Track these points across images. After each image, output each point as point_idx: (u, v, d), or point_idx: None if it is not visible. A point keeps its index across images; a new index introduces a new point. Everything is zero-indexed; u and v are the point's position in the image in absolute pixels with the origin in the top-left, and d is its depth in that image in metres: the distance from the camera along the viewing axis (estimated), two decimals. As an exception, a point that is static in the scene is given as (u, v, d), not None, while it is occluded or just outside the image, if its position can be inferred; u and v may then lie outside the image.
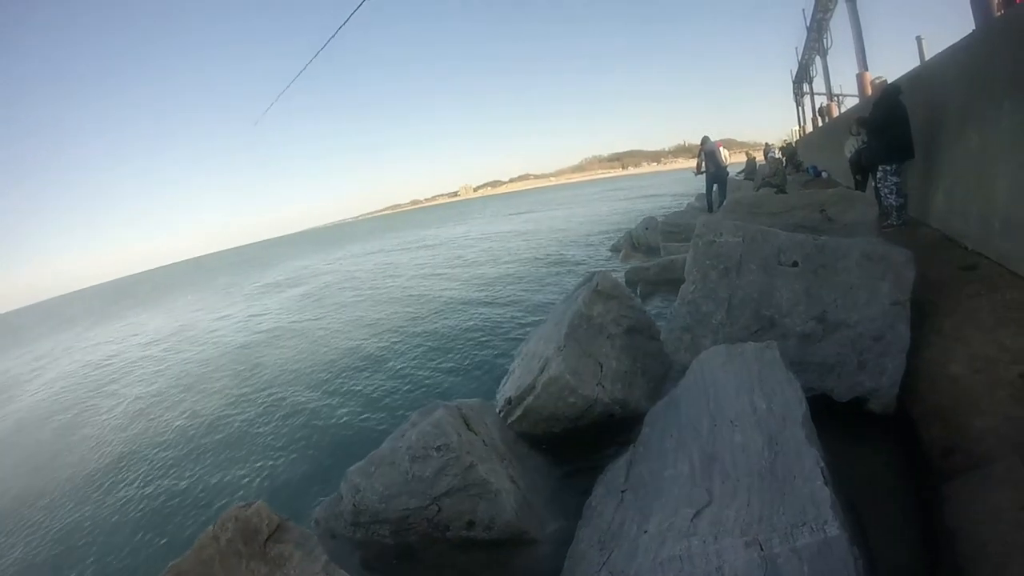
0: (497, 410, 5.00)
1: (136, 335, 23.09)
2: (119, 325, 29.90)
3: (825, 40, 22.46)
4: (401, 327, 12.51)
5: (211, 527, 2.56)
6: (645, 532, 2.44)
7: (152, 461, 7.95)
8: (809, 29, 24.13)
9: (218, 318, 21.59)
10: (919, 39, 11.48)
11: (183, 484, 6.87)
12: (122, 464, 8.18)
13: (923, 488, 2.85)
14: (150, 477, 7.34)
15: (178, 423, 9.49)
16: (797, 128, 35.70)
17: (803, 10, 24.63)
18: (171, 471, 7.35)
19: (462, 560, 3.52)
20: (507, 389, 5.39)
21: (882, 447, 3.37)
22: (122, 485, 7.37)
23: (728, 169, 14.35)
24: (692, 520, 2.25)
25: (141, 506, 6.55)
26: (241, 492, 6.23)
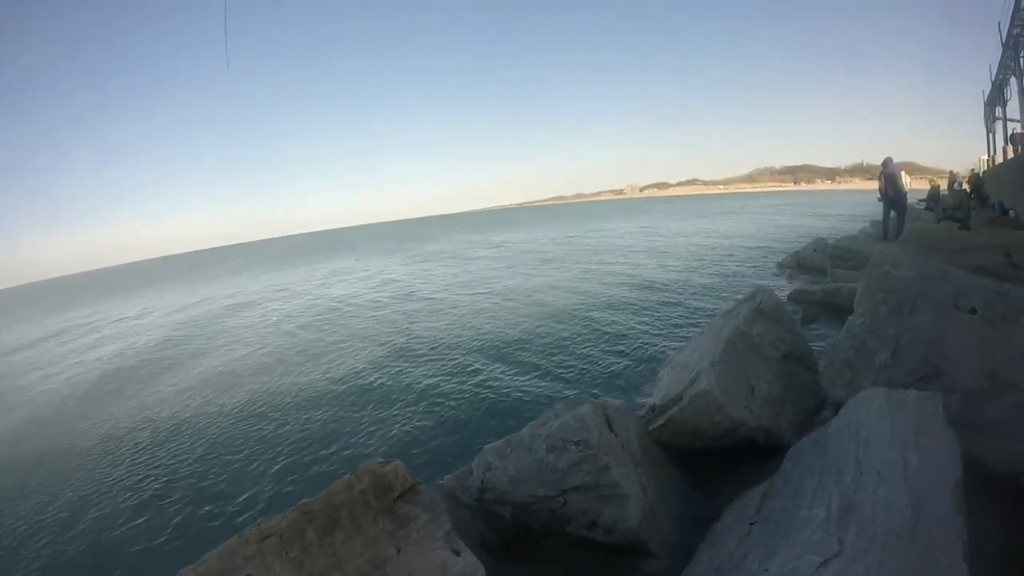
0: (640, 415, 4.97)
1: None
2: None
3: (1022, 60, 19.49)
4: (560, 316, 12.76)
5: (348, 476, 2.78)
6: (766, 571, 2.36)
7: (311, 405, 8.68)
8: (1004, 46, 20.62)
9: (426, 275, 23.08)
10: None
11: (328, 431, 7.46)
12: (283, 404, 9.00)
13: None
14: (302, 422, 8.01)
15: (344, 372, 10.27)
16: (986, 157, 31.77)
17: (998, 24, 21.07)
18: (323, 420, 7.99)
19: (576, 557, 3.57)
20: (653, 396, 5.35)
21: None
22: (275, 424, 8.13)
23: (908, 196, 13.23)
24: (817, 568, 2.15)
25: (289, 447, 7.18)
26: (382, 448, 6.66)
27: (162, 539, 5.67)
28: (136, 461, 7.87)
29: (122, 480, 7.30)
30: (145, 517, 6.14)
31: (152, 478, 7.17)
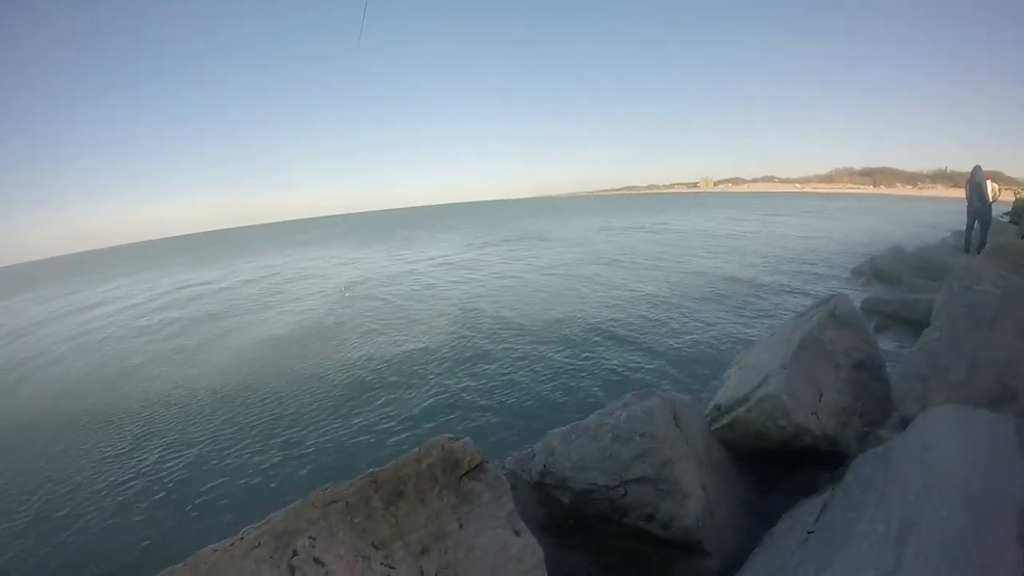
0: (705, 413, 4.98)
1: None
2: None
3: None
4: (631, 308, 12.75)
5: (417, 449, 2.90)
6: (820, 581, 2.41)
7: (382, 378, 8.98)
8: None
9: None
10: None
11: (389, 407, 7.71)
12: (355, 375, 9.33)
13: None
14: (373, 394, 8.29)
15: (417, 347, 10.56)
16: None
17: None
18: (393, 393, 8.25)
19: (630, 548, 3.65)
20: (720, 395, 5.33)
21: None
22: (346, 395, 8.45)
23: (994, 207, 12.56)
24: (872, 583, 2.19)
25: (359, 418, 7.45)
26: (449, 425, 6.86)
27: (232, 498, 6.01)
28: (218, 416, 8.34)
29: (208, 434, 7.76)
30: (226, 471, 6.51)
31: (235, 434, 7.59)
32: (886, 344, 7.46)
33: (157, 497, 6.29)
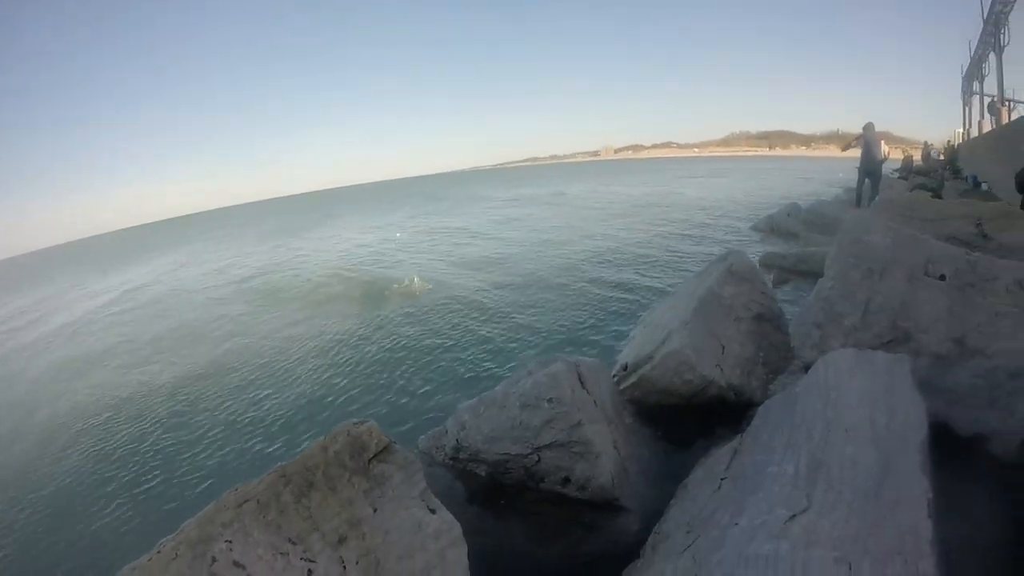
0: (612, 374, 5.02)
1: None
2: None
3: (1002, 36, 19.53)
4: (529, 276, 12.73)
5: (323, 438, 2.78)
6: (736, 524, 2.42)
7: (286, 368, 8.65)
8: (985, 21, 20.94)
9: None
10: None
11: (298, 396, 7.44)
12: (256, 368, 8.96)
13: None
14: (277, 388, 7.97)
15: (316, 333, 10.23)
16: (961, 130, 32.16)
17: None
18: (297, 384, 7.95)
19: (550, 513, 3.63)
20: (625, 355, 5.40)
21: (994, 494, 3.05)
22: (250, 389, 8.10)
23: (884, 166, 13.32)
24: (786, 523, 2.19)
25: (262, 414, 7.15)
26: (357, 410, 6.67)
27: (140, 512, 5.60)
28: (98, 432, 7.80)
29: (92, 452, 7.23)
30: (120, 490, 6.05)
31: (122, 448, 7.10)
32: (785, 296, 7.79)
33: (56, 524, 5.79)
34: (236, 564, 2.29)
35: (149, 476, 6.16)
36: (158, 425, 7.44)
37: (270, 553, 2.38)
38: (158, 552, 2.25)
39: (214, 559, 2.27)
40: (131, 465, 6.48)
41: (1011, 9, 18.75)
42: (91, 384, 9.90)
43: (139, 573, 2.19)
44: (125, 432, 7.45)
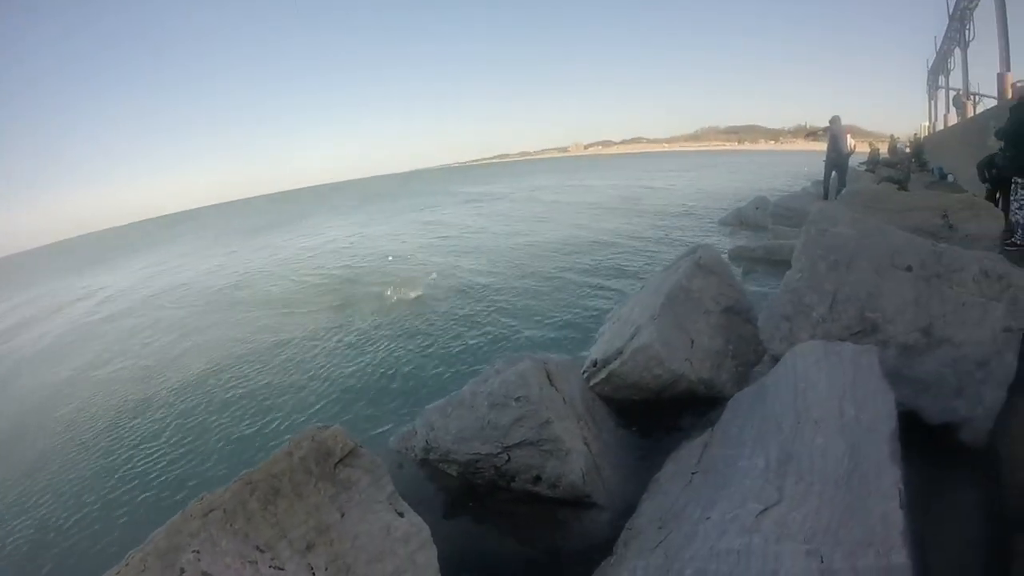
0: (582, 370, 5.00)
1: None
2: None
3: (967, 32, 20.00)
4: (497, 273, 12.71)
5: (287, 443, 2.71)
6: (707, 519, 2.40)
7: (249, 373, 8.51)
8: (951, 17, 21.53)
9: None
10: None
11: (268, 402, 7.32)
12: (221, 373, 8.80)
13: (995, 534, 2.67)
14: (244, 393, 7.82)
15: (280, 335, 10.07)
16: (927, 124, 32.89)
17: (946, -6, 21.95)
18: (264, 388, 7.82)
19: (522, 511, 3.60)
20: (595, 351, 5.39)
21: (964, 482, 3.10)
22: (214, 394, 7.95)
23: (851, 157, 13.51)
24: (757, 516, 2.18)
25: (229, 421, 7.01)
26: (324, 413, 6.58)
27: (107, 524, 5.45)
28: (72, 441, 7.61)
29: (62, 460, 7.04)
30: (88, 503, 5.89)
31: (88, 459, 6.92)
32: (753, 288, 7.84)
33: (26, 536, 5.59)
34: (205, 574, 2.23)
35: (116, 488, 6.00)
36: (123, 436, 7.25)
37: (238, 562, 2.32)
38: (126, 564, 2.18)
39: (182, 570, 2.21)
40: (98, 477, 6.31)
41: (976, 6, 19.14)
42: (54, 395, 9.64)
43: (109, 586, 2.12)
44: (90, 443, 7.25)
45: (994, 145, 7.78)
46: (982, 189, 8.79)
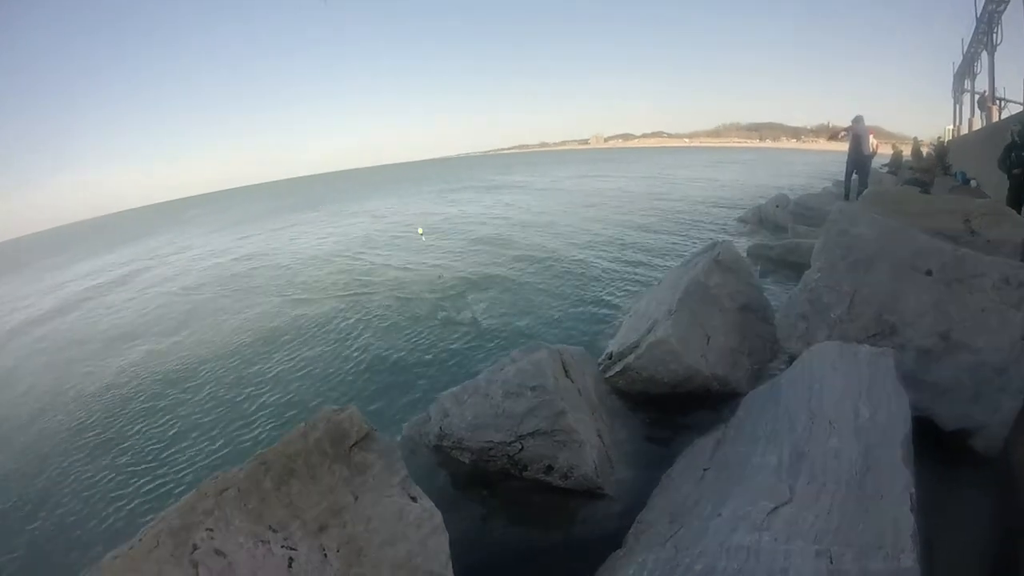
0: (598, 362, 5.01)
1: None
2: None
3: (995, 35, 19.62)
4: (517, 265, 12.68)
5: (303, 424, 2.73)
6: (719, 515, 2.41)
7: (267, 353, 8.59)
8: (978, 20, 21.10)
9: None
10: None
11: (288, 383, 7.37)
12: (237, 352, 8.88)
13: (1005, 542, 2.66)
14: (260, 374, 7.89)
15: (299, 317, 10.14)
16: (951, 127, 32.26)
17: (974, -1, 21.40)
18: (280, 371, 7.88)
19: (534, 500, 3.62)
20: (611, 344, 5.39)
21: (976, 488, 3.08)
22: (231, 373, 8.02)
23: (873, 158, 13.28)
24: (768, 514, 2.19)
25: (244, 401, 7.08)
26: (340, 395, 6.62)
27: (121, 499, 5.53)
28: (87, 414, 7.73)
29: (81, 435, 7.15)
30: (103, 478, 5.98)
31: (105, 433, 7.02)
32: (771, 287, 7.79)
33: (39, 512, 5.68)
34: (217, 552, 2.26)
35: (131, 464, 6.10)
36: (138, 414, 7.35)
37: (251, 541, 2.35)
38: (140, 540, 2.21)
39: (195, 547, 2.24)
40: (113, 454, 6.41)
41: (1004, 9, 18.78)
42: (73, 376, 9.76)
43: (121, 561, 2.15)
44: (104, 421, 7.36)
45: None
46: (1004, 195, 8.65)
